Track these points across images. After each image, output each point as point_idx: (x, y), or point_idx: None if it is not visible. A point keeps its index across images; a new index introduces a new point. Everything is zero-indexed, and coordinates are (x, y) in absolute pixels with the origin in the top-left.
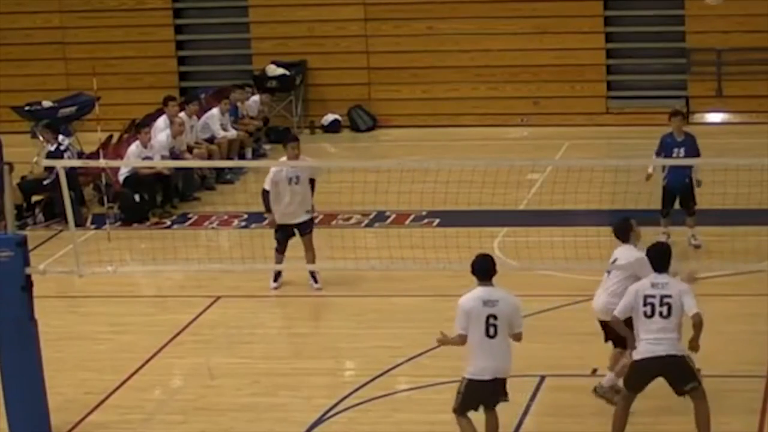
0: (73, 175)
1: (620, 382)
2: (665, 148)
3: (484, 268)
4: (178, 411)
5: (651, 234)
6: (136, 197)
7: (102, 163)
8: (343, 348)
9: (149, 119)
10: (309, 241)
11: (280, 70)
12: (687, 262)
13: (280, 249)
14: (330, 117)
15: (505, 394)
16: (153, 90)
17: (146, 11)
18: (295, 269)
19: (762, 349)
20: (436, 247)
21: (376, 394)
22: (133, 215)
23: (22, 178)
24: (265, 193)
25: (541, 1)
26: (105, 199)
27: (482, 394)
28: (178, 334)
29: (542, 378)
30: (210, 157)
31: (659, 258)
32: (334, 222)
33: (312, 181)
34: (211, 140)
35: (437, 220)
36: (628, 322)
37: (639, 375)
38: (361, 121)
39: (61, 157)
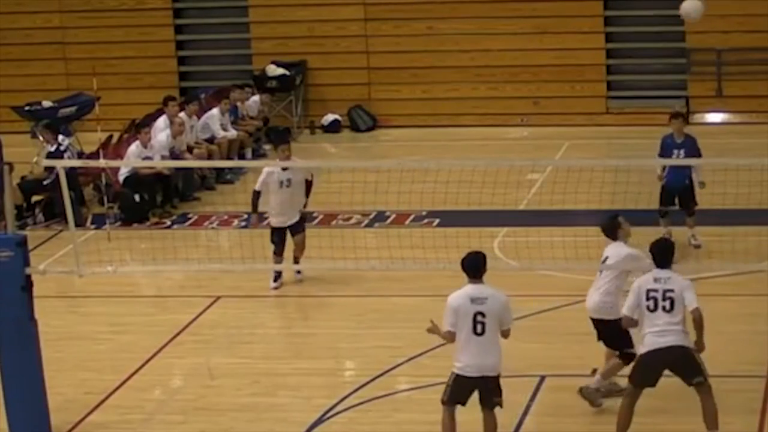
0: (73, 175)
1: (622, 383)
2: (665, 150)
3: (473, 266)
4: (178, 411)
5: (654, 234)
6: (136, 197)
7: (102, 163)
8: (343, 348)
9: (149, 119)
10: (301, 240)
11: (280, 70)
12: (687, 262)
13: (278, 251)
14: (330, 117)
15: (499, 395)
16: (153, 90)
17: (146, 11)
18: (295, 269)
19: (762, 349)
20: (436, 247)
21: (376, 394)
22: (133, 215)
23: (22, 178)
24: (255, 194)
25: (541, 1)
26: (105, 199)
27: (469, 389)
28: (178, 334)
29: (542, 378)
30: (210, 157)
31: (662, 253)
32: (334, 222)
33: (308, 184)
34: (211, 140)
35: (437, 220)
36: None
37: (645, 369)
38: (361, 121)
39: (61, 158)
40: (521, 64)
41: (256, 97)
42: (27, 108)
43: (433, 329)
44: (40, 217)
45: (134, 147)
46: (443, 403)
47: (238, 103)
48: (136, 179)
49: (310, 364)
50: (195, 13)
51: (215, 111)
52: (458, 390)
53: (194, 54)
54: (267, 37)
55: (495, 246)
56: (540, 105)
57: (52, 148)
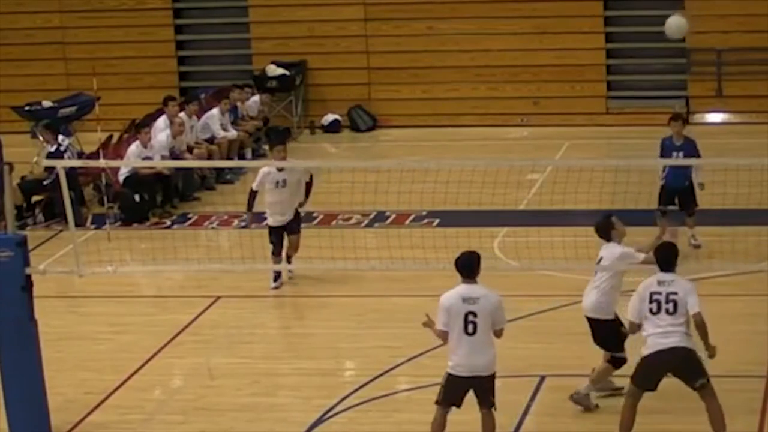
0: (73, 175)
1: (621, 384)
2: (665, 152)
3: (466, 266)
4: (178, 411)
5: (654, 233)
6: (136, 197)
7: (102, 163)
8: (343, 348)
9: (149, 119)
10: (296, 240)
11: (280, 70)
12: (687, 263)
13: (277, 251)
14: (330, 117)
15: (493, 394)
16: (153, 90)
17: (146, 11)
18: (295, 269)
19: (762, 349)
20: (436, 247)
21: (376, 394)
22: (133, 215)
23: (22, 178)
24: (252, 193)
25: (541, 1)
26: (105, 199)
27: (462, 389)
28: (178, 334)
29: (542, 378)
30: (210, 157)
31: (666, 257)
32: (334, 222)
33: (308, 185)
34: (211, 140)
35: (437, 220)
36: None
37: (647, 370)
38: (361, 121)
39: (61, 158)
40: (521, 64)
41: (256, 97)
42: (27, 108)
43: (429, 323)
44: (40, 217)
45: (134, 147)
46: (437, 403)
47: (238, 103)
48: (136, 179)
49: (310, 364)
50: (195, 13)
51: (215, 111)
52: (451, 389)
53: (194, 54)
54: (267, 37)
55: (495, 246)
56: (540, 105)
57: (52, 148)
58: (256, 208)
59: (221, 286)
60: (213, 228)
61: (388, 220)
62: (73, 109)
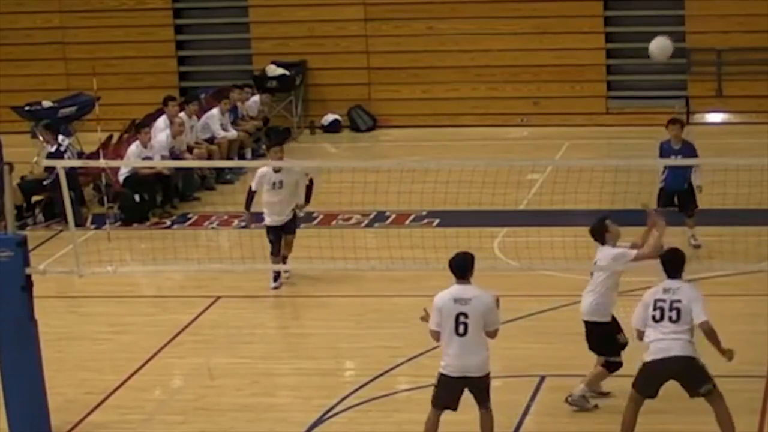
0: (73, 175)
1: (610, 387)
2: (663, 156)
3: (460, 266)
4: (178, 411)
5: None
6: (136, 197)
7: (102, 163)
8: (343, 348)
9: (149, 119)
10: (291, 240)
11: (280, 70)
12: (687, 263)
13: (275, 251)
14: (330, 117)
15: (487, 395)
16: (153, 90)
17: (146, 11)
18: (295, 269)
19: (762, 349)
20: (436, 247)
21: (376, 394)
22: (133, 215)
23: (22, 178)
24: (250, 193)
25: (541, 1)
26: (105, 199)
27: (455, 390)
28: (178, 334)
29: (542, 378)
30: (210, 157)
31: (672, 264)
32: (334, 222)
33: (308, 187)
34: (211, 140)
35: (437, 220)
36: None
37: (648, 377)
38: (361, 121)
39: (61, 158)
40: (521, 64)
41: (256, 97)
42: (27, 108)
43: (426, 318)
44: (40, 217)
45: (134, 147)
46: (431, 404)
47: (238, 103)
48: (136, 179)
49: (310, 364)
50: (195, 13)
51: (215, 111)
52: (444, 390)
53: (194, 54)
54: (267, 37)
55: (495, 246)
56: (540, 105)
57: (52, 149)
58: (255, 208)
59: (221, 286)
60: (213, 228)
61: (388, 220)
62: (73, 109)
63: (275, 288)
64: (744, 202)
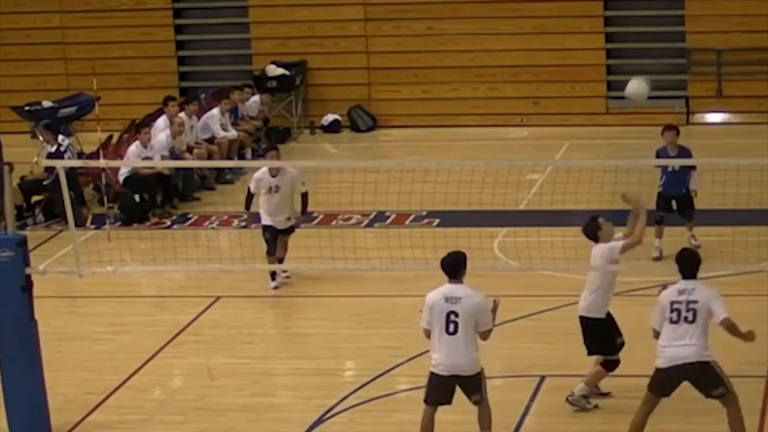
0: (73, 176)
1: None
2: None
3: (451, 265)
4: (178, 411)
5: (652, 233)
6: (136, 197)
7: (102, 163)
8: (343, 348)
9: (149, 119)
10: (285, 242)
11: (280, 70)
12: None
13: (270, 250)
14: (330, 117)
15: (478, 393)
16: (153, 90)
17: (146, 11)
18: (295, 269)
19: (762, 349)
20: (436, 247)
21: (376, 394)
22: (133, 215)
23: (22, 178)
24: (249, 193)
25: (541, 1)
26: (105, 199)
27: (446, 388)
28: (178, 334)
29: (542, 378)
30: (210, 157)
31: (687, 264)
32: (334, 222)
33: (303, 197)
34: (211, 140)
35: (437, 220)
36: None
37: (665, 382)
38: (361, 121)
39: (61, 158)
40: (521, 64)
41: (256, 98)
42: (27, 108)
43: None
44: (40, 217)
45: (134, 147)
46: (424, 402)
47: (239, 104)
48: (136, 179)
49: (310, 364)
50: (195, 13)
51: (215, 111)
52: (434, 388)
53: (194, 54)
54: (267, 37)
55: (495, 246)
56: (540, 105)
57: (52, 149)
58: (254, 209)
59: (221, 286)
60: (213, 228)
61: (388, 220)
62: (73, 109)
63: (275, 288)
64: (744, 202)
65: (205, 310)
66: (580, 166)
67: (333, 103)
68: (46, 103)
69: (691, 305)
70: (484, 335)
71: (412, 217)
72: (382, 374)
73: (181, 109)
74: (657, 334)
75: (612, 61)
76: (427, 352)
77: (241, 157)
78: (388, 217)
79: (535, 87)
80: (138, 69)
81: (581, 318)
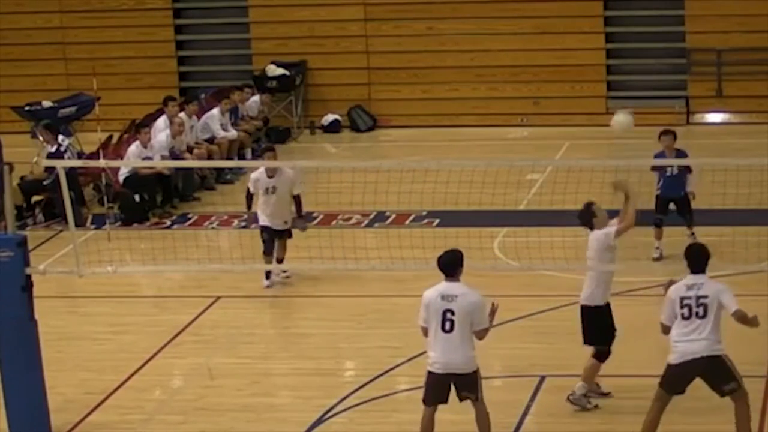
0: (73, 176)
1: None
2: (657, 167)
3: (447, 264)
4: (178, 411)
5: (651, 233)
6: (136, 197)
7: (102, 163)
8: (343, 348)
9: (149, 119)
10: (284, 243)
11: (280, 70)
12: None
13: (267, 251)
14: (330, 117)
15: (473, 391)
16: (153, 90)
17: (146, 11)
18: (295, 269)
19: (762, 349)
20: (436, 247)
21: (376, 394)
22: (133, 215)
23: (22, 178)
24: (248, 193)
25: (541, 1)
26: (105, 199)
27: (443, 386)
28: (178, 334)
29: (542, 378)
30: (210, 157)
31: (695, 259)
32: (334, 222)
33: (297, 199)
34: (211, 140)
35: (437, 220)
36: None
37: (677, 378)
38: (361, 121)
39: (61, 158)
40: (521, 64)
41: (256, 97)
42: (27, 108)
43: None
44: (40, 217)
45: (134, 147)
46: (423, 403)
47: (239, 104)
48: (136, 179)
49: (310, 364)
50: (195, 13)
51: (215, 111)
52: (432, 387)
53: (194, 54)
54: (267, 37)
55: (495, 246)
56: (540, 105)
57: (52, 149)
58: (253, 209)
59: (221, 286)
60: (213, 228)
61: (388, 220)
62: (73, 109)
63: (268, 287)
64: (744, 202)
65: (205, 310)
66: (580, 166)
67: (333, 103)
68: (46, 103)
69: (701, 300)
70: (480, 334)
71: (412, 217)
72: (382, 374)
73: (181, 109)
74: (665, 329)
75: (612, 61)
76: (426, 352)
77: (241, 157)
78: (388, 217)
79: (535, 87)
80: (138, 69)
81: (581, 307)
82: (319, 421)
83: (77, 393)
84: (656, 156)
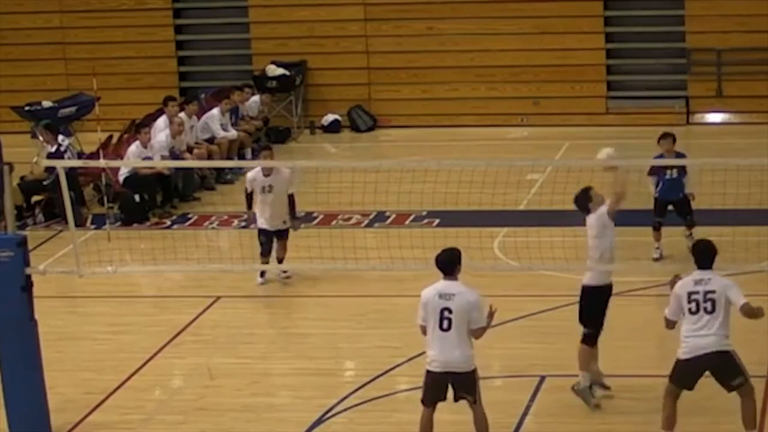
0: (73, 176)
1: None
2: (657, 170)
3: (445, 262)
4: (178, 411)
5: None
6: (136, 197)
7: (102, 163)
8: (343, 348)
9: (149, 119)
10: (283, 243)
11: (280, 70)
12: (687, 262)
13: (265, 253)
14: (330, 117)
15: (471, 392)
16: (153, 90)
17: (146, 11)
18: (295, 269)
19: (762, 349)
20: (436, 247)
21: (376, 394)
22: (133, 215)
23: (22, 178)
24: (246, 193)
25: (541, 1)
26: (105, 199)
27: (441, 385)
28: (178, 334)
29: (542, 378)
30: (210, 157)
31: (703, 254)
32: (334, 222)
33: (291, 198)
34: (211, 140)
35: (437, 220)
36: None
37: (686, 373)
38: (361, 121)
39: (61, 158)
40: (521, 64)
41: (256, 98)
42: (27, 108)
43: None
44: (40, 217)
45: (134, 147)
46: (422, 403)
47: (239, 104)
48: (136, 179)
49: (310, 364)
50: (195, 13)
51: (215, 111)
52: (430, 386)
53: (194, 54)
54: (267, 37)
55: (495, 246)
56: (540, 105)
57: (52, 149)
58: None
59: (221, 286)
60: (213, 228)
61: (388, 220)
62: (73, 109)
63: (261, 284)
64: (744, 202)
65: (205, 310)
66: (580, 166)
67: (333, 103)
68: (46, 103)
69: (709, 295)
70: (477, 333)
71: (412, 217)
72: (382, 374)
73: (181, 109)
74: (669, 324)
75: (612, 61)
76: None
77: (241, 157)
78: (388, 217)
79: (535, 87)
80: (138, 69)
81: (581, 287)
82: (319, 421)
83: (77, 393)
84: (656, 159)
